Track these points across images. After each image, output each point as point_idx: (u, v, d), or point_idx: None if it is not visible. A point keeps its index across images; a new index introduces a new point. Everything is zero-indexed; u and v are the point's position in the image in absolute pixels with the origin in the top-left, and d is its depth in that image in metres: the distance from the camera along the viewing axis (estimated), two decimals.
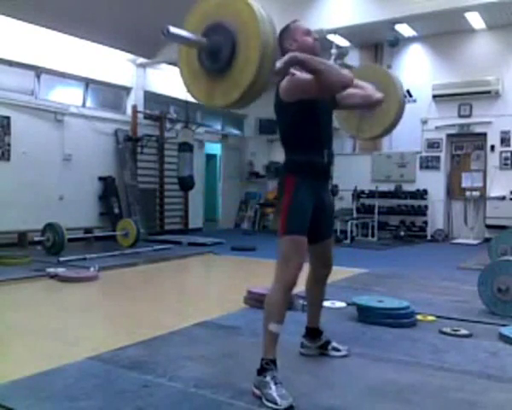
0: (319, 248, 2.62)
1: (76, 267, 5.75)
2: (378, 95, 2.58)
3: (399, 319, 3.43)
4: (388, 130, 2.96)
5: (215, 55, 2.00)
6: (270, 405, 2.11)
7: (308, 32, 2.49)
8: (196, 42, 2.03)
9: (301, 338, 2.83)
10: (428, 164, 10.64)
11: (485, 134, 10.09)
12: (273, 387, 2.16)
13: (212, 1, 2.11)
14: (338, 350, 2.80)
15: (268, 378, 2.19)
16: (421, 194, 10.54)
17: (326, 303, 2.66)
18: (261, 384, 2.20)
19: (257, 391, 2.21)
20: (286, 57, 2.20)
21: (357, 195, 10.64)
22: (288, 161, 2.51)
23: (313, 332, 2.80)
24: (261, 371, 2.23)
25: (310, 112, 2.44)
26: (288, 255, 2.34)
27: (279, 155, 12.47)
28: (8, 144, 7.75)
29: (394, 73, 2.99)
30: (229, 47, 1.97)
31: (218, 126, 12.56)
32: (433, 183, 10.49)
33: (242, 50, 1.95)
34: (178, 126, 10.35)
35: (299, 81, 2.29)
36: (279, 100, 2.44)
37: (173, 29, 1.96)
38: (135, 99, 9.97)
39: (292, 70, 2.26)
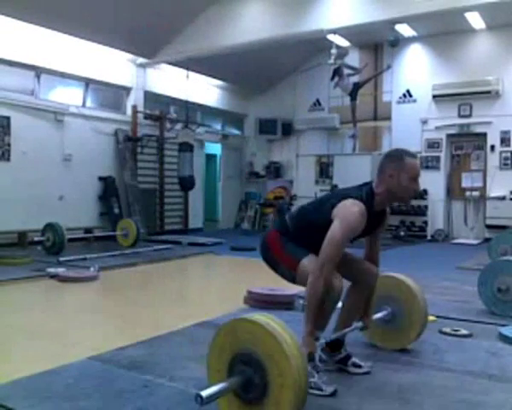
0: (346, 267, 2.55)
1: (76, 267, 5.76)
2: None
3: None
4: (412, 341, 2.92)
5: (247, 388, 1.84)
6: (315, 392, 2.21)
7: (416, 179, 2.38)
8: (230, 389, 1.85)
9: (319, 351, 2.62)
10: (428, 164, 10.64)
11: (485, 134, 10.08)
12: (316, 375, 2.25)
13: (241, 335, 1.91)
14: (359, 367, 2.57)
15: (309, 368, 2.22)
16: (421, 194, 10.53)
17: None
18: None
19: None
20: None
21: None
22: (283, 226, 2.52)
23: (334, 343, 2.58)
24: None
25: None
26: (315, 267, 2.27)
27: (279, 155, 12.54)
28: (8, 144, 7.75)
29: (417, 287, 2.91)
30: (260, 381, 1.81)
31: (218, 126, 12.56)
32: (433, 183, 10.48)
33: (275, 383, 1.79)
34: (178, 126, 10.35)
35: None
36: (329, 213, 2.33)
37: (206, 395, 1.71)
38: (135, 99, 9.97)
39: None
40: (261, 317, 1.88)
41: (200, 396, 1.67)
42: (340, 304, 2.58)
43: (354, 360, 2.59)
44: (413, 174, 2.36)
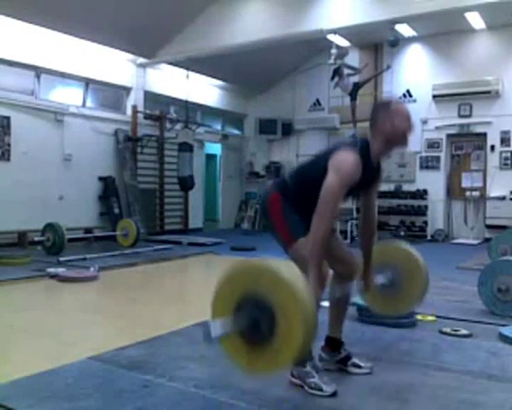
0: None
1: (76, 267, 5.75)
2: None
3: (399, 319, 3.43)
4: (413, 307, 2.95)
5: (254, 330, 1.85)
6: (315, 392, 2.22)
7: (407, 118, 2.46)
8: (237, 329, 1.87)
9: (319, 350, 2.64)
10: (428, 164, 10.64)
11: (485, 134, 10.08)
12: (316, 375, 2.26)
13: (240, 276, 1.98)
14: (359, 367, 2.57)
15: (308, 368, 2.26)
16: (421, 194, 10.54)
17: (325, 303, 2.65)
18: (302, 374, 2.28)
19: (297, 381, 2.28)
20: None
21: (358, 195, 10.62)
22: (283, 186, 2.46)
23: (333, 343, 2.60)
24: (300, 362, 2.25)
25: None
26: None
27: (279, 155, 12.54)
28: (8, 144, 7.75)
29: (418, 254, 2.89)
30: (268, 322, 1.82)
31: (218, 126, 12.56)
32: (433, 183, 10.49)
33: (282, 330, 1.80)
34: (178, 126, 10.35)
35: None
36: (325, 165, 2.30)
37: (215, 332, 1.79)
38: (135, 99, 9.97)
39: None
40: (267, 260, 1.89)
41: (209, 335, 1.74)
42: (326, 303, 2.60)
43: (354, 360, 2.58)
44: (403, 115, 2.44)
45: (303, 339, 1.77)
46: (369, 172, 2.41)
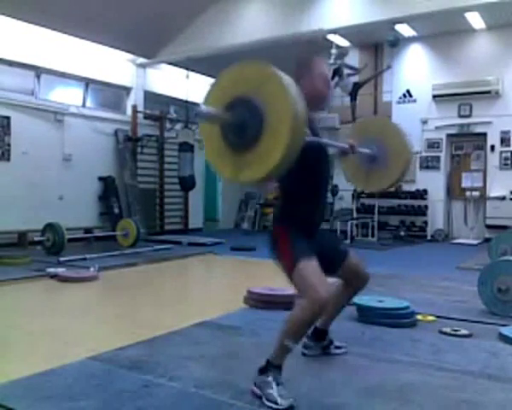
0: (344, 272, 2.58)
1: (76, 267, 5.75)
2: None
3: (399, 319, 3.43)
4: (395, 183, 3.00)
5: (241, 131, 1.89)
6: (270, 404, 2.11)
7: (322, 73, 2.47)
8: (224, 118, 1.92)
9: (304, 339, 2.74)
10: (428, 164, 10.64)
11: (485, 134, 10.08)
12: (275, 387, 2.15)
13: (239, 74, 1.99)
14: (339, 348, 2.85)
15: (270, 378, 2.17)
16: (421, 194, 10.54)
17: None
18: (262, 384, 2.19)
19: (257, 390, 2.20)
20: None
21: (357, 195, 10.64)
22: (281, 211, 2.46)
23: (321, 334, 2.79)
24: (264, 371, 2.22)
25: (313, 171, 2.39)
26: (311, 279, 2.18)
27: None
28: (8, 144, 7.76)
29: (399, 126, 2.98)
30: (256, 125, 1.86)
31: None
32: (433, 183, 10.48)
33: (271, 130, 1.84)
34: (178, 126, 10.36)
35: None
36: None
37: (203, 109, 1.86)
38: (135, 99, 9.97)
39: None
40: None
41: (198, 106, 1.81)
42: None
43: (336, 343, 2.86)
44: (321, 73, 2.47)
45: (290, 138, 1.80)
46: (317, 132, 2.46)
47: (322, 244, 2.49)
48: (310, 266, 2.23)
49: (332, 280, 2.44)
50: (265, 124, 1.84)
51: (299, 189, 2.39)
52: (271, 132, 1.84)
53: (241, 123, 1.89)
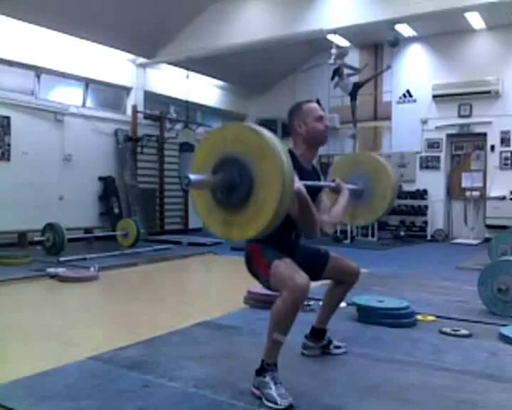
0: (330, 272, 2.62)
1: (76, 267, 5.75)
2: (316, 232, 2.45)
3: (399, 319, 3.43)
4: (381, 217, 3.01)
5: (231, 191, 1.93)
6: (270, 405, 2.11)
7: (320, 119, 2.48)
8: (214, 183, 1.95)
9: (303, 339, 2.81)
10: (428, 164, 10.65)
11: (485, 134, 10.09)
12: (273, 387, 2.15)
13: (227, 134, 2.01)
14: (339, 348, 2.85)
15: (268, 378, 2.18)
16: (421, 194, 10.54)
17: (321, 303, 2.66)
18: (261, 384, 2.20)
19: (256, 391, 2.21)
20: (295, 187, 2.11)
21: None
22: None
23: (319, 333, 2.80)
24: (260, 372, 2.23)
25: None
26: (286, 272, 2.21)
27: None
28: (8, 144, 7.76)
29: (386, 161, 3.02)
30: (246, 186, 1.89)
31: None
32: (433, 183, 10.49)
33: (261, 191, 1.88)
34: (178, 126, 10.35)
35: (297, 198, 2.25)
36: None
37: (193, 178, 1.89)
38: (135, 99, 9.97)
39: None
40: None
41: (189, 178, 1.85)
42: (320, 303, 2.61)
43: (335, 343, 2.86)
44: (315, 115, 2.49)
45: (278, 205, 1.84)
46: (309, 178, 2.47)
47: (302, 253, 2.54)
48: (283, 263, 2.27)
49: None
50: (254, 184, 1.89)
51: None
52: (261, 193, 1.88)
53: (230, 184, 1.92)
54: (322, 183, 2.69)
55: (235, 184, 1.91)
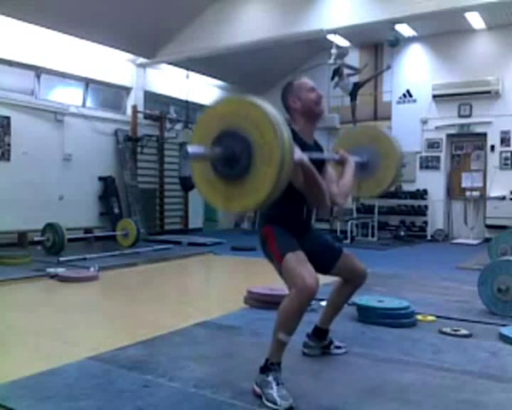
0: (339, 269, 2.60)
1: (76, 267, 5.75)
2: (326, 203, 2.47)
3: (399, 319, 3.43)
4: (386, 189, 3.01)
5: (231, 164, 1.94)
6: (269, 405, 2.11)
7: (312, 89, 2.50)
8: (213, 156, 1.96)
9: (305, 338, 2.81)
10: (428, 164, 10.65)
11: (485, 134, 10.09)
12: (275, 387, 2.15)
13: (226, 108, 2.03)
14: (339, 348, 2.85)
15: (270, 378, 2.18)
16: (421, 194, 10.54)
17: (325, 303, 2.66)
18: (263, 383, 2.19)
19: (258, 389, 2.21)
20: (297, 158, 2.13)
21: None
22: (265, 215, 2.49)
23: (322, 333, 2.79)
24: (264, 370, 2.22)
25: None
26: (297, 269, 2.22)
27: None
28: (8, 144, 7.76)
29: (391, 134, 3.07)
30: (245, 157, 1.90)
31: None
32: (433, 183, 10.49)
33: (259, 162, 1.88)
34: (178, 126, 10.35)
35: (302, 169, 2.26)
36: None
37: (192, 149, 1.91)
38: (135, 99, 9.97)
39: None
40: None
41: (187, 150, 1.86)
42: (324, 302, 2.61)
43: (335, 343, 2.86)
44: (307, 87, 2.51)
45: (278, 175, 1.84)
46: (313, 151, 2.48)
47: (316, 243, 2.55)
48: (294, 258, 2.27)
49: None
50: (254, 155, 1.89)
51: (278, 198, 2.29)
52: (260, 164, 1.88)
53: (230, 156, 1.93)
54: (326, 155, 2.69)
55: (235, 155, 1.92)
